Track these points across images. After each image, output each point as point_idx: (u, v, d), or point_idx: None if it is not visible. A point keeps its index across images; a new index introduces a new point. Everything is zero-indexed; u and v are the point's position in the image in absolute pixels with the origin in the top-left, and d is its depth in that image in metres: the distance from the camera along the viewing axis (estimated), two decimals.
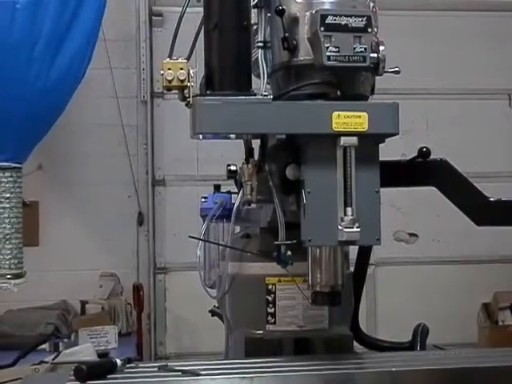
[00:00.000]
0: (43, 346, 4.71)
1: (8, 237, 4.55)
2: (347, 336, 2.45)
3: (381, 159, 2.19)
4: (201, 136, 2.24)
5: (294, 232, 2.21)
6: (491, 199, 2.44)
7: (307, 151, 2.15)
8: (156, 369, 2.18)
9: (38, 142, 4.84)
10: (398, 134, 2.16)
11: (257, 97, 2.17)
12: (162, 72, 2.14)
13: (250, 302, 2.42)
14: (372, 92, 2.28)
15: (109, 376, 2.10)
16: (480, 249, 6.46)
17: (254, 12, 2.28)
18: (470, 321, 6.32)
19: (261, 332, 2.38)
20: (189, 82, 2.14)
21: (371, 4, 2.23)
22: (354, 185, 2.11)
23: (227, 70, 2.22)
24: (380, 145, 2.20)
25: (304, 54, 2.16)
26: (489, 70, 6.60)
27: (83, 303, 5.81)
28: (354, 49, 2.08)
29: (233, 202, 2.55)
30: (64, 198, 6.23)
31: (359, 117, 2.11)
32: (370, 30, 2.10)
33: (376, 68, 2.17)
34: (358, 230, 2.09)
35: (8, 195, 4.54)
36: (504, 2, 6.66)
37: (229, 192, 2.67)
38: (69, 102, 4.84)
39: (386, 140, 2.22)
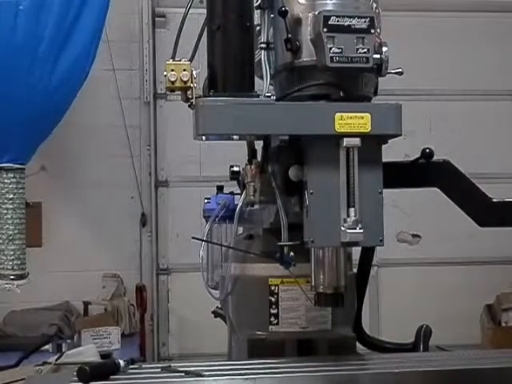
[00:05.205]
0: (46, 347, 4.72)
1: (11, 238, 4.56)
2: (350, 337, 2.45)
3: (384, 160, 2.20)
4: (204, 137, 2.24)
5: (297, 233, 2.22)
6: (494, 200, 2.44)
7: (310, 152, 2.15)
8: (159, 370, 2.18)
9: (40, 142, 4.85)
10: (400, 135, 2.16)
11: (260, 98, 2.18)
12: (165, 73, 2.14)
13: (253, 303, 2.42)
14: (375, 93, 2.28)
15: (112, 377, 2.10)
16: (483, 250, 6.45)
17: (257, 13, 2.28)
18: (473, 322, 6.31)
19: (264, 333, 2.37)
20: (192, 83, 2.14)
21: (374, 5, 2.23)
22: (357, 186, 2.11)
23: (230, 71, 2.22)
24: (383, 146, 2.20)
25: (307, 55, 2.17)
26: (492, 71, 6.59)
27: (86, 304, 5.82)
28: (357, 50, 2.08)
29: (236, 202, 2.55)
30: (67, 199, 6.23)
31: (362, 118, 2.11)
32: (372, 30, 2.10)
33: (379, 69, 2.17)
34: (361, 231, 2.10)
35: (11, 196, 4.55)
36: (508, 3, 6.65)
37: (232, 193, 2.67)
38: (72, 102, 4.85)
39: (389, 141, 2.22)
